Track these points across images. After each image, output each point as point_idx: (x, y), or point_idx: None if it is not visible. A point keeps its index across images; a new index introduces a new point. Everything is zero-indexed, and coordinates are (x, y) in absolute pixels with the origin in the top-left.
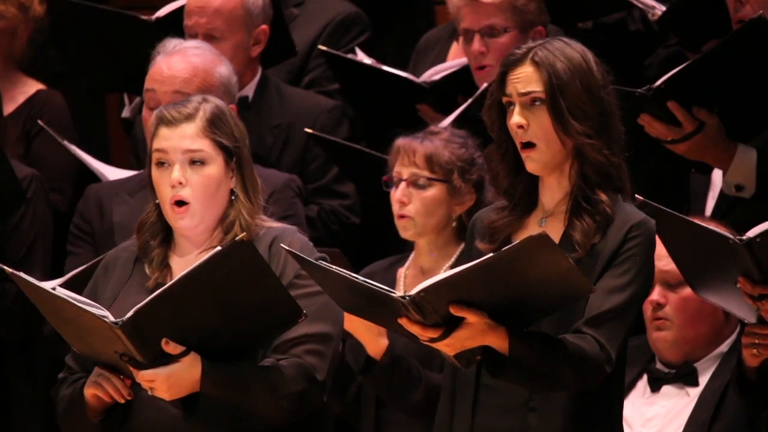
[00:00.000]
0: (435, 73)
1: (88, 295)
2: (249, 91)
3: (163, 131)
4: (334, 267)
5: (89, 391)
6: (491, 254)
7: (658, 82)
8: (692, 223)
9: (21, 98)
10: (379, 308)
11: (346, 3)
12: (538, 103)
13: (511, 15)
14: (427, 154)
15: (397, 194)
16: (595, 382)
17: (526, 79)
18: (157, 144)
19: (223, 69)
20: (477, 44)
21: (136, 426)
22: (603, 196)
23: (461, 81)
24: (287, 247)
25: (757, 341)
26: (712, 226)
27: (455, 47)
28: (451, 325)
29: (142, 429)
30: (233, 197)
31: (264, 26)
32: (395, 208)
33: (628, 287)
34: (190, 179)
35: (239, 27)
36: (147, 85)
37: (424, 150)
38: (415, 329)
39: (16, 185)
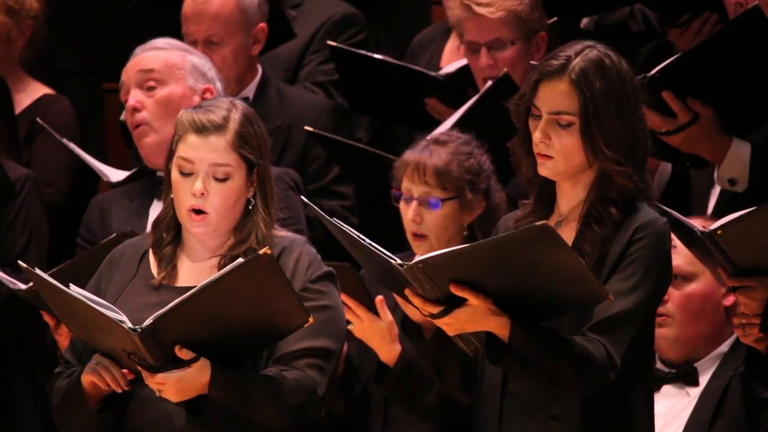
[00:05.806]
0: (448, 68)
1: (92, 289)
2: (249, 92)
3: (192, 139)
4: (344, 225)
5: (87, 378)
6: (493, 237)
7: (653, 71)
8: (672, 216)
9: (26, 101)
10: (393, 277)
11: (343, 3)
12: (567, 125)
13: (517, 27)
14: (438, 171)
15: (409, 214)
16: (597, 387)
17: (559, 97)
18: (184, 152)
19: (194, 57)
20: (485, 59)
21: (138, 427)
22: (615, 211)
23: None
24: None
25: (744, 321)
26: (694, 221)
27: (450, 47)
28: (452, 304)
29: (143, 430)
30: (250, 207)
31: (262, 24)
32: (408, 226)
33: (635, 291)
34: (211, 191)
35: (238, 30)
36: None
37: (434, 166)
38: (416, 301)
39: (4, 178)
